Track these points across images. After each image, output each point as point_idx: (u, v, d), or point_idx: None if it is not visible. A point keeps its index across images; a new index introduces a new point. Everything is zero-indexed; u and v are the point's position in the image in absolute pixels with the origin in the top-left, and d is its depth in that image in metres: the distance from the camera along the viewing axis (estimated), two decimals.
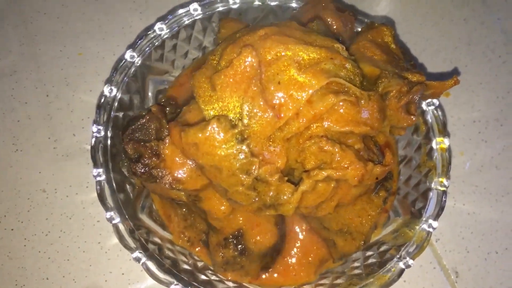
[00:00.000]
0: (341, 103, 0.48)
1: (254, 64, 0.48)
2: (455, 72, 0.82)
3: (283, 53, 0.48)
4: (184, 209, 0.62)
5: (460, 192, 0.75)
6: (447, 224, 0.73)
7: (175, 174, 0.53)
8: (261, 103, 0.48)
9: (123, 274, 0.68)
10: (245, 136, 0.48)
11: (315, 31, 0.52)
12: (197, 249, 0.64)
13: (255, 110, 0.48)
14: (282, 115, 0.48)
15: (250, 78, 0.48)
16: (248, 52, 0.48)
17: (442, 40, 0.86)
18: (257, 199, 0.51)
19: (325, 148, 0.48)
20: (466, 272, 0.71)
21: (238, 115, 0.48)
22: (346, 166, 0.49)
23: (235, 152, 0.48)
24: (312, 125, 0.49)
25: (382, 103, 0.52)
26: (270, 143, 0.49)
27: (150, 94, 0.68)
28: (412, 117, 0.54)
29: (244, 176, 0.49)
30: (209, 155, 0.48)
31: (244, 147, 0.48)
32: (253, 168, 0.49)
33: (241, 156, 0.48)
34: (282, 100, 0.48)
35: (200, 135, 0.47)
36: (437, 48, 0.85)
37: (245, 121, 0.48)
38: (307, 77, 0.48)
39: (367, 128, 0.49)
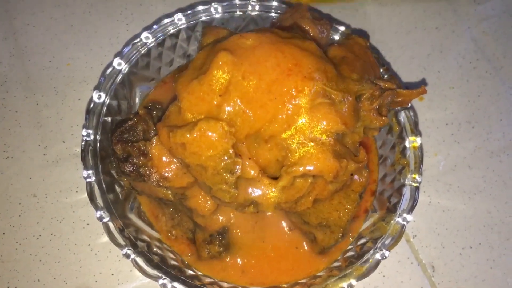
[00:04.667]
0: (318, 103, 0.51)
1: (231, 67, 0.52)
2: (422, 82, 0.86)
3: (271, 59, 0.51)
4: (171, 209, 0.65)
5: (435, 190, 0.79)
6: (423, 221, 0.77)
7: (162, 173, 0.56)
8: (241, 105, 0.51)
9: (112, 274, 0.70)
10: (230, 137, 0.51)
11: (296, 36, 0.56)
12: (188, 255, 0.67)
13: (237, 111, 0.51)
14: (262, 116, 0.51)
15: (230, 81, 0.52)
16: (224, 56, 0.52)
17: (416, 48, 0.90)
18: (239, 196, 0.54)
19: (303, 145, 0.52)
20: (442, 266, 0.74)
21: (221, 116, 0.51)
22: (322, 162, 0.52)
23: (220, 152, 0.51)
24: (291, 125, 0.52)
25: (356, 104, 0.56)
26: (251, 141, 0.52)
27: (137, 100, 0.71)
28: (384, 118, 0.58)
29: (228, 175, 0.52)
30: (195, 154, 0.51)
31: (229, 148, 0.51)
32: (237, 167, 0.52)
33: (226, 156, 0.51)
34: (264, 101, 0.51)
35: (188, 135, 0.50)
36: (411, 55, 0.89)
37: (229, 121, 0.51)
38: (293, 82, 0.51)
39: (342, 126, 0.53)
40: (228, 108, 0.51)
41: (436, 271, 0.74)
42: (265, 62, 0.52)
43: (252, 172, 0.52)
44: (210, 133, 0.50)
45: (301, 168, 0.51)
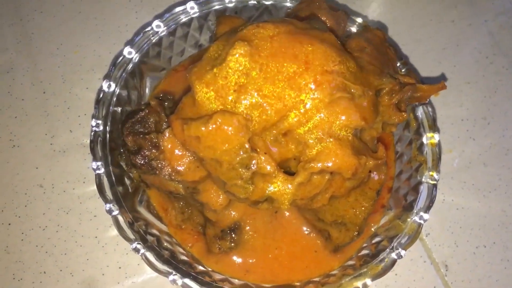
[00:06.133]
0: (338, 97, 0.49)
1: (248, 58, 0.50)
2: (442, 78, 0.84)
3: (290, 51, 0.49)
4: (181, 203, 0.64)
5: (449, 188, 0.77)
6: (436, 219, 0.75)
7: (175, 166, 0.54)
8: (258, 97, 0.50)
9: (120, 267, 0.69)
10: (246, 131, 0.49)
11: (315, 28, 0.54)
12: (189, 245, 0.65)
13: (254, 104, 0.49)
14: (280, 109, 0.50)
15: (246, 73, 0.50)
16: (241, 46, 0.50)
17: (431, 41, 0.88)
18: (254, 192, 0.52)
19: (321, 141, 0.50)
20: (455, 265, 0.73)
21: (237, 109, 0.50)
22: (340, 159, 0.50)
23: (236, 147, 0.49)
24: (309, 119, 0.50)
25: (375, 99, 0.54)
26: (268, 135, 0.51)
27: (147, 90, 0.69)
28: (403, 113, 0.56)
29: (243, 170, 0.50)
30: (210, 148, 0.49)
31: (245, 142, 0.49)
32: (253, 162, 0.50)
33: (242, 150, 0.49)
34: (281, 94, 0.49)
35: (203, 128, 0.49)
36: (426, 49, 0.87)
37: (246, 114, 0.49)
38: (312, 75, 0.49)
39: (361, 122, 0.51)
40: (244, 101, 0.50)
41: (449, 270, 0.73)
42: (283, 53, 0.50)
43: (268, 167, 0.50)
44: (225, 127, 0.48)
45: (319, 165, 0.50)
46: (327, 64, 0.50)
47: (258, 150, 0.51)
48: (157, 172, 0.54)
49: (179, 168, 0.54)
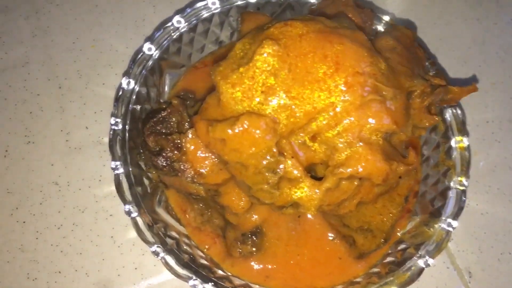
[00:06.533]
0: (369, 100, 0.47)
1: (277, 58, 0.48)
2: (472, 79, 0.82)
3: (319, 51, 0.47)
4: (201, 204, 0.62)
5: (474, 192, 0.75)
6: (460, 224, 0.72)
7: (197, 168, 0.52)
8: (286, 99, 0.48)
9: (136, 268, 0.67)
10: (274, 134, 0.47)
11: (344, 26, 0.52)
12: (206, 247, 0.64)
13: (282, 106, 0.47)
14: (308, 112, 0.48)
15: (275, 73, 0.48)
16: (269, 45, 0.48)
17: (455, 40, 0.86)
18: (280, 197, 0.50)
19: (351, 145, 0.48)
20: (480, 272, 0.71)
21: (264, 111, 0.48)
22: (371, 164, 0.48)
23: (263, 150, 0.47)
24: (339, 122, 0.48)
25: (407, 102, 0.52)
26: (295, 138, 0.49)
27: (166, 88, 0.68)
28: (434, 116, 0.54)
29: (270, 175, 0.48)
30: (236, 152, 0.47)
31: (272, 146, 0.47)
32: (280, 167, 0.49)
33: (269, 155, 0.48)
34: (310, 96, 0.47)
35: (229, 131, 0.47)
36: (450, 47, 0.85)
37: (273, 117, 0.47)
38: (343, 76, 0.47)
39: (393, 126, 0.49)
40: (272, 103, 0.48)
41: (473, 277, 0.71)
42: (313, 53, 0.48)
43: (296, 172, 0.49)
44: (253, 129, 0.47)
45: (348, 170, 0.48)
46: (359, 65, 0.48)
47: (285, 154, 0.49)
48: (179, 174, 0.52)
49: (201, 170, 0.52)
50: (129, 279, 0.67)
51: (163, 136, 0.53)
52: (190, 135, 0.52)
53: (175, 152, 0.52)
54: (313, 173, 0.52)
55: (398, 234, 0.62)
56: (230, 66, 0.50)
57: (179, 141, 0.52)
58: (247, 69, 0.48)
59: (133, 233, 0.58)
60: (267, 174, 0.48)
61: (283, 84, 0.48)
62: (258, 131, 0.47)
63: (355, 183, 0.50)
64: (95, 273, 0.67)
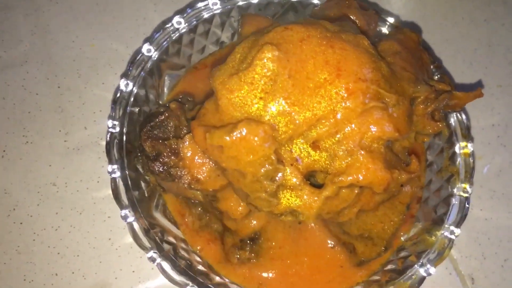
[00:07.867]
0: (371, 107, 0.46)
1: (276, 63, 0.47)
2: (478, 84, 0.80)
3: (320, 56, 0.46)
4: (199, 209, 0.61)
5: (478, 197, 0.74)
6: (463, 230, 0.71)
7: (194, 174, 0.51)
8: (286, 105, 0.46)
9: (133, 271, 0.67)
10: (273, 142, 0.46)
11: (347, 30, 0.50)
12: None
13: (281, 112, 0.46)
14: (308, 118, 0.47)
15: (274, 79, 0.47)
16: (269, 50, 0.47)
17: (462, 41, 0.84)
18: (278, 206, 0.49)
19: (352, 153, 0.47)
20: (483, 279, 0.70)
21: (263, 118, 0.46)
22: (372, 173, 0.47)
23: (261, 158, 0.46)
24: (339, 130, 0.47)
25: (410, 108, 0.51)
26: (295, 145, 0.48)
27: (165, 89, 0.67)
28: (438, 123, 0.53)
29: (268, 183, 0.47)
30: (234, 159, 0.46)
31: (271, 154, 0.46)
32: (278, 175, 0.47)
33: (267, 163, 0.46)
34: (310, 102, 0.46)
35: (227, 138, 0.45)
36: (456, 49, 0.83)
37: (272, 123, 0.46)
38: (344, 83, 0.46)
39: (395, 133, 0.48)
40: (271, 109, 0.47)
41: (475, 283, 0.70)
42: (314, 59, 0.47)
43: (295, 179, 0.47)
44: (251, 137, 0.45)
45: (349, 178, 0.47)
46: (361, 71, 0.47)
47: (284, 161, 0.48)
48: (176, 180, 0.51)
49: (199, 176, 0.51)
50: (127, 282, 0.66)
51: (160, 141, 0.51)
52: (187, 141, 0.51)
53: (172, 157, 0.51)
54: (313, 179, 0.51)
55: (402, 239, 0.61)
56: (229, 71, 0.49)
57: (176, 146, 0.51)
58: (245, 74, 0.47)
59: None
60: (265, 182, 0.47)
61: (283, 90, 0.46)
62: (256, 139, 0.45)
63: (355, 191, 0.49)
64: (92, 275, 0.67)
